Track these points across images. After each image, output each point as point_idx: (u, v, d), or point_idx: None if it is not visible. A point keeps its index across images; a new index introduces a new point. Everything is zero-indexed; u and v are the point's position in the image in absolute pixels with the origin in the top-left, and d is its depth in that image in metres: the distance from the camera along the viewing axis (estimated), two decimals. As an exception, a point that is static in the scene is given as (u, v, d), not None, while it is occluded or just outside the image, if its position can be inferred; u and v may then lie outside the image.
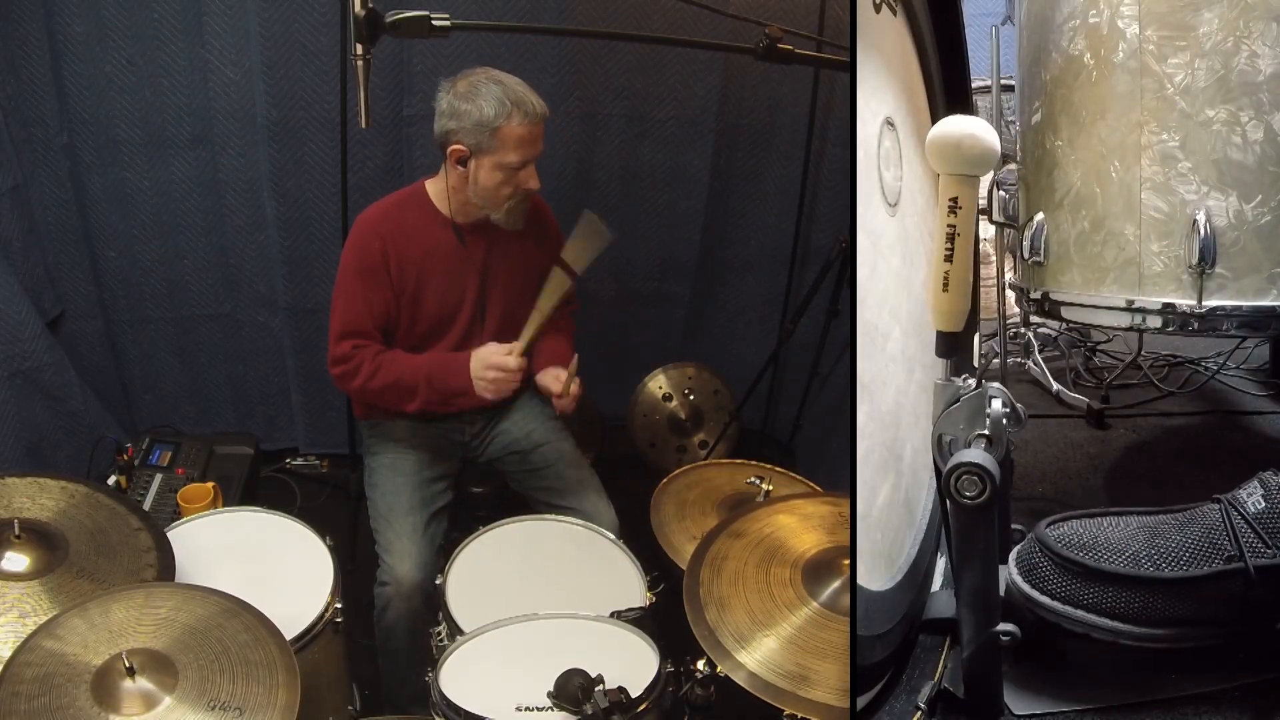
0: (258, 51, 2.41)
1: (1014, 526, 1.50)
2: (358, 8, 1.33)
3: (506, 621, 1.61)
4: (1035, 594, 1.34)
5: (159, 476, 2.48)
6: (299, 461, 3.01)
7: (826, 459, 2.79)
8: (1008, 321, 2.73)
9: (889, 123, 1.43)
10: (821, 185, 2.90)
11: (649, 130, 2.74)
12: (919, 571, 1.52)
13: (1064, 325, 2.82)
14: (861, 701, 1.31)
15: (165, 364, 2.83)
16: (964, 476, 1.20)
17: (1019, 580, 1.36)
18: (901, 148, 1.49)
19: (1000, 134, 1.24)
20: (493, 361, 1.97)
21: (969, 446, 1.25)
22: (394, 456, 2.09)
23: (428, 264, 2.00)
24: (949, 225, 1.19)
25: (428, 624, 1.80)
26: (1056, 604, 1.33)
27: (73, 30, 2.36)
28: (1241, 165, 1.40)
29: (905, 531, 1.54)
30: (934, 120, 1.42)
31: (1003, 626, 1.28)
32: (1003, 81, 2.38)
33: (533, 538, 1.92)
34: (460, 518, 2.17)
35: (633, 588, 1.79)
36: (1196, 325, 1.45)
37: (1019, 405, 1.31)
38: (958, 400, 1.27)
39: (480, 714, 1.42)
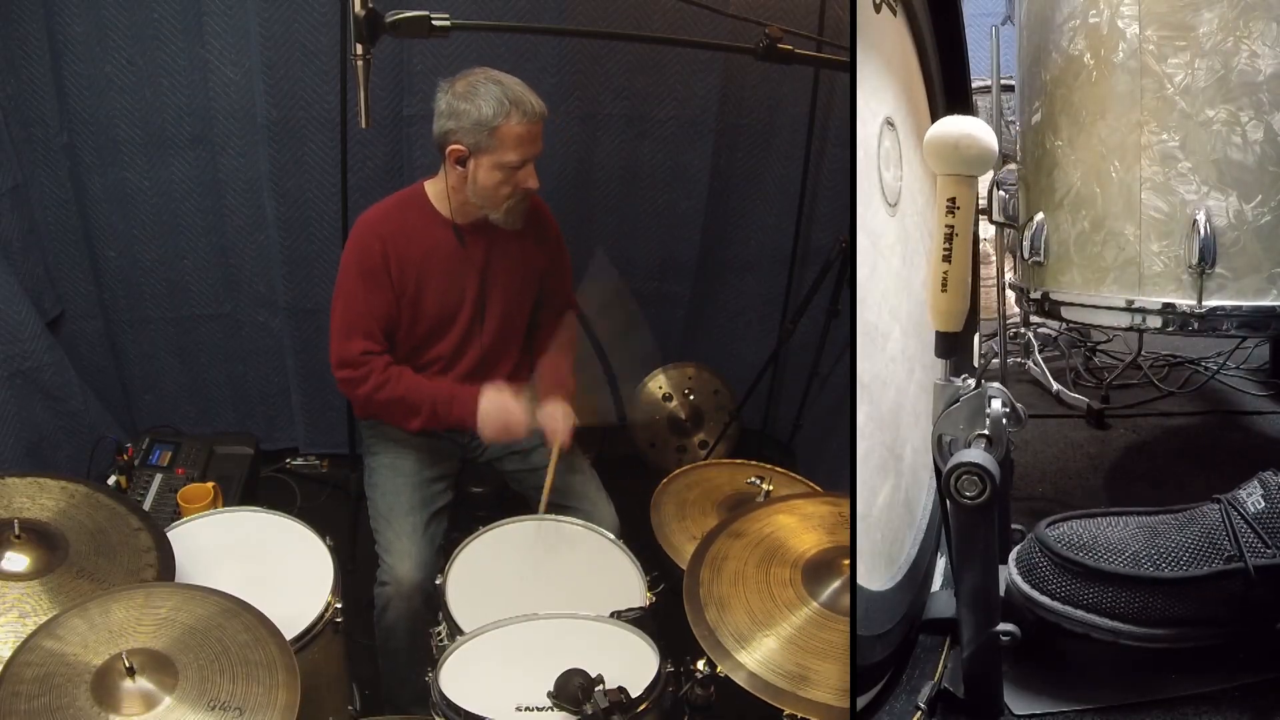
0: (258, 51, 2.41)
1: (1014, 526, 1.50)
2: (358, 8, 1.33)
3: (506, 621, 1.61)
4: (1035, 594, 1.34)
5: (159, 476, 2.48)
6: (299, 461, 3.01)
7: (826, 459, 2.79)
8: (1008, 321, 2.73)
9: (889, 123, 1.43)
10: (821, 185, 2.90)
11: (649, 130, 2.74)
12: (919, 571, 1.52)
13: (1064, 325, 2.82)
14: (861, 701, 1.31)
15: (165, 364, 2.83)
16: (964, 476, 1.20)
17: (1019, 580, 1.36)
18: (901, 148, 1.49)
19: (1000, 134, 1.24)
20: (504, 420, 1.97)
21: (969, 446, 1.25)
22: (394, 456, 2.09)
23: (427, 265, 2.00)
24: (947, 225, 1.19)
25: (428, 624, 1.80)
26: (1056, 604, 1.33)
27: (73, 30, 2.35)
28: (1241, 165, 1.40)
29: (905, 531, 1.54)
30: (934, 120, 1.42)
31: (1003, 626, 1.28)
32: (1003, 81, 2.38)
33: (533, 538, 1.92)
34: (460, 518, 2.17)
35: (633, 588, 1.79)
36: (1196, 325, 1.45)
37: (1019, 405, 1.31)
38: (958, 400, 1.27)
39: (480, 714, 1.42)
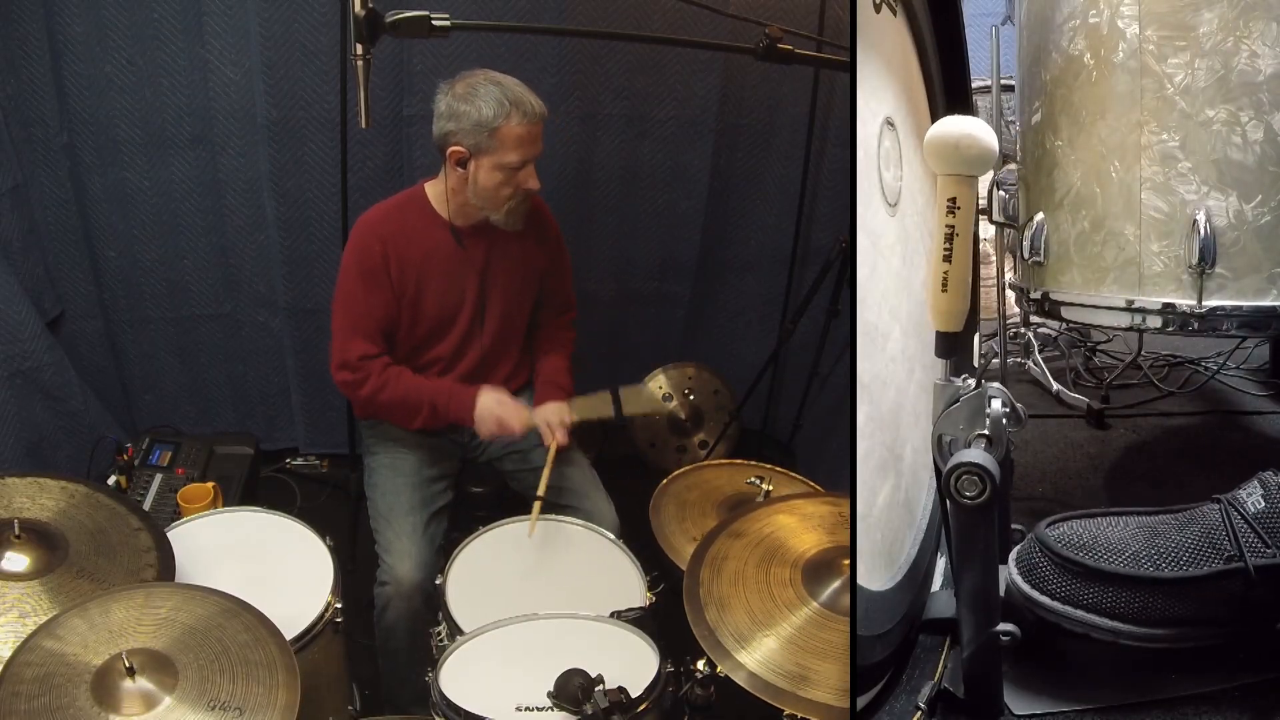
0: (258, 51, 2.41)
1: (1014, 526, 1.50)
2: (358, 8, 1.32)
3: (506, 621, 1.61)
4: (1035, 594, 1.34)
5: (159, 476, 2.48)
6: (299, 461, 3.01)
7: (826, 459, 2.79)
8: (1008, 321, 2.73)
9: (889, 123, 1.43)
10: (821, 185, 2.90)
11: (649, 130, 2.74)
12: (919, 571, 1.52)
13: (1064, 325, 2.82)
14: (861, 701, 1.31)
15: (165, 364, 2.83)
16: (964, 476, 1.20)
17: (1019, 580, 1.36)
18: (901, 148, 1.49)
19: (1000, 134, 1.24)
20: (500, 415, 1.99)
21: (969, 446, 1.25)
22: (394, 456, 2.09)
23: (427, 266, 2.00)
24: (947, 225, 1.19)
25: (428, 624, 1.80)
26: (1056, 604, 1.33)
27: (73, 30, 2.35)
28: (1241, 165, 1.40)
29: (905, 531, 1.54)
30: (934, 120, 1.42)
31: (1003, 626, 1.28)
32: (1003, 81, 2.38)
33: (533, 537, 1.92)
34: (460, 518, 2.17)
35: (633, 588, 1.79)
36: (1196, 325, 1.45)
37: (1019, 405, 1.31)
38: (958, 400, 1.27)
39: (480, 714, 1.42)
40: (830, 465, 2.70)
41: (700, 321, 3.11)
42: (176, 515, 2.28)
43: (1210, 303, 1.43)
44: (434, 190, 2.01)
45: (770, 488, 1.92)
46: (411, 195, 2.04)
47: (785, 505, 1.75)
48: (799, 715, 1.33)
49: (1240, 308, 1.42)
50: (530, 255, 2.10)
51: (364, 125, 1.48)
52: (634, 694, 1.42)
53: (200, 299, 2.76)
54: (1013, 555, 1.40)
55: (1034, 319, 2.90)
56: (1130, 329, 1.55)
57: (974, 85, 1.90)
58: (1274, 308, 1.41)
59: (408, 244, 1.98)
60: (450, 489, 2.14)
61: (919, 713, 1.30)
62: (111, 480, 2.36)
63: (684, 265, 2.97)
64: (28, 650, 1.28)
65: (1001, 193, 1.82)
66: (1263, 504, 1.28)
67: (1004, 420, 1.26)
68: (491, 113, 1.82)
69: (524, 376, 2.20)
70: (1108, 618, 1.31)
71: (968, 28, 1.78)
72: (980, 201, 1.90)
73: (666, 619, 1.66)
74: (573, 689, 1.39)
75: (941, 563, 1.66)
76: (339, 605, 1.71)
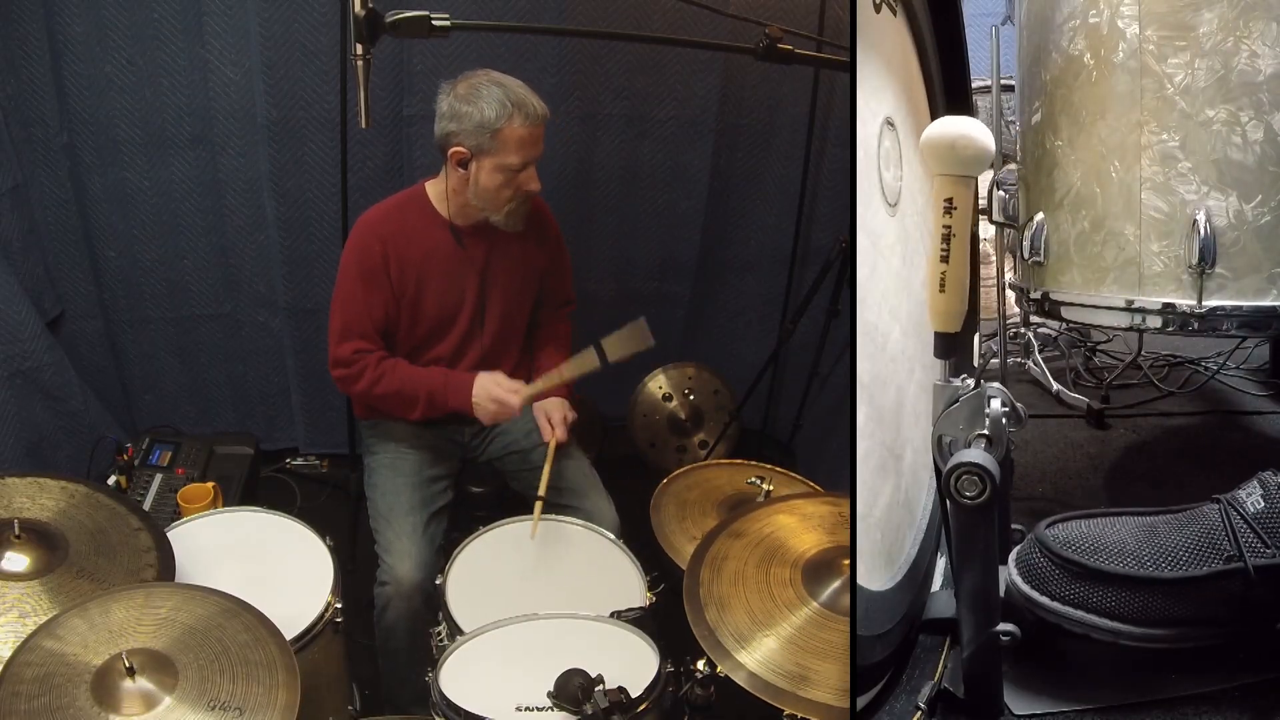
0: (258, 51, 2.41)
1: (1014, 526, 1.50)
2: (358, 8, 1.32)
3: (506, 621, 1.61)
4: (1035, 594, 1.34)
5: (159, 476, 2.48)
6: (299, 461, 3.01)
7: (826, 459, 2.79)
8: (1008, 321, 2.73)
9: (889, 123, 1.43)
10: (821, 185, 2.90)
11: (649, 130, 2.74)
12: (919, 571, 1.52)
13: (1064, 325, 2.82)
14: (861, 701, 1.31)
15: (165, 364, 2.83)
16: (964, 476, 1.20)
17: (1019, 581, 1.36)
18: (901, 148, 1.49)
19: (1000, 134, 1.24)
20: (496, 395, 1.99)
21: (969, 446, 1.25)
22: (394, 456, 2.09)
23: (427, 266, 2.00)
24: (944, 226, 1.19)
25: (428, 624, 1.80)
26: (1056, 604, 1.33)
27: (73, 30, 2.35)
28: (1241, 165, 1.40)
29: (905, 531, 1.54)
30: (934, 120, 1.42)
31: (1003, 626, 1.28)
32: (1003, 81, 2.38)
33: (533, 538, 1.92)
34: (460, 518, 2.17)
35: (633, 588, 1.79)
36: (1196, 325, 1.45)
37: (1019, 405, 1.31)
38: (958, 400, 1.27)
39: (480, 714, 1.42)
40: (830, 465, 2.70)
41: (700, 321, 3.11)
42: (176, 515, 2.28)
43: (1210, 303, 1.43)
44: (434, 190, 2.01)
45: (770, 488, 1.92)
46: (412, 195, 2.04)
47: (785, 505, 1.75)
48: (799, 715, 1.33)
49: (1240, 308, 1.42)
50: (530, 255, 2.10)
51: (364, 125, 1.47)
52: (634, 694, 1.42)
53: (200, 299, 2.76)
54: (1013, 555, 1.40)
55: (1034, 319, 2.90)
56: (1130, 329, 1.55)
57: (974, 85, 1.90)
58: (1274, 308, 1.41)
59: (408, 244, 1.98)
60: (450, 489, 2.14)
61: (919, 713, 1.30)
62: (111, 480, 2.36)
63: (684, 265, 2.97)
64: (28, 650, 1.28)
65: (1001, 193, 1.82)
66: (1262, 504, 1.28)
67: (1004, 420, 1.26)
68: (494, 114, 1.82)
69: (524, 376, 2.20)
70: (1108, 618, 1.31)
71: (968, 28, 1.78)
72: (980, 201, 1.90)
73: (666, 619, 1.66)
74: (573, 689, 1.39)
75: (941, 563, 1.65)
76: (339, 605, 1.71)
